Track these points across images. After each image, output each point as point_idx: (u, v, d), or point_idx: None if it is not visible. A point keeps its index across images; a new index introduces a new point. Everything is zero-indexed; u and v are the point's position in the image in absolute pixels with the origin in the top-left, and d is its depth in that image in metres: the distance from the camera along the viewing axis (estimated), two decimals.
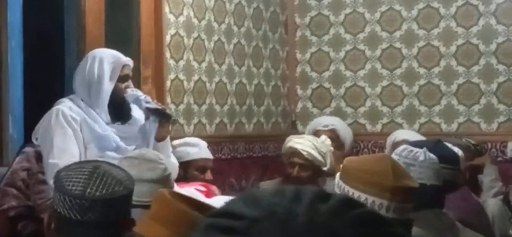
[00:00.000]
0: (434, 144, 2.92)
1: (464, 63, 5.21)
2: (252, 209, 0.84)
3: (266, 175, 5.12)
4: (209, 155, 4.14)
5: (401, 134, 4.89)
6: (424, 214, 2.62)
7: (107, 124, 3.53)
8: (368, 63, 5.48)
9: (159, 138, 3.58)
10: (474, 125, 5.18)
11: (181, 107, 4.71)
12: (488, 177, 4.27)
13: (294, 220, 0.82)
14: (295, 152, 4.17)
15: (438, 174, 2.74)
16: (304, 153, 4.14)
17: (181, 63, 4.71)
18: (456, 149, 3.17)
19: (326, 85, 5.61)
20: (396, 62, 5.41)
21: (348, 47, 5.54)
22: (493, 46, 5.14)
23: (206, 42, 4.89)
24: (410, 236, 2.34)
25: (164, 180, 2.86)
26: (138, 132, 3.59)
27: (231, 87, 5.11)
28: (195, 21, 4.81)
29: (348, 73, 5.54)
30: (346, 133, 5.14)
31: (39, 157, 3.46)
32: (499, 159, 4.94)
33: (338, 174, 2.38)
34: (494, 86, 5.14)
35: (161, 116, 3.59)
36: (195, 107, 4.82)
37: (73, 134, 3.43)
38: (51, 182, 2.95)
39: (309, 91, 5.66)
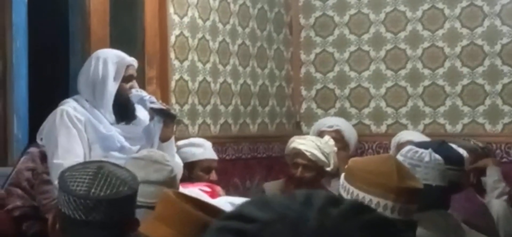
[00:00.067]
0: (439, 145, 2.91)
1: (469, 64, 5.20)
2: (264, 212, 0.84)
3: (271, 175, 5.12)
4: (214, 156, 4.14)
5: (405, 135, 4.89)
6: (430, 215, 2.61)
7: (112, 124, 3.54)
8: (373, 64, 5.48)
9: (164, 138, 3.58)
10: (478, 126, 5.18)
11: (186, 107, 4.71)
12: (491, 178, 4.26)
13: (305, 224, 0.83)
14: (298, 153, 4.17)
15: (443, 175, 2.73)
16: (308, 153, 4.14)
17: (186, 63, 4.71)
18: (461, 150, 3.17)
19: (331, 86, 5.61)
20: (400, 63, 5.40)
21: (352, 48, 5.54)
22: (497, 47, 5.13)
23: (210, 43, 4.90)
24: None
25: (170, 182, 2.86)
26: (142, 133, 3.60)
27: (235, 87, 5.11)
28: (199, 21, 4.81)
29: (353, 74, 5.54)
30: (350, 134, 5.14)
31: (43, 157, 3.46)
32: (504, 160, 4.93)
33: (342, 175, 2.38)
34: (498, 87, 5.13)
35: (165, 117, 3.60)
36: (199, 107, 4.82)
37: (77, 135, 3.44)
38: (55, 182, 2.95)
39: (313, 92, 5.66)
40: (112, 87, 3.53)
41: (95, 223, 2.07)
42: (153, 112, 3.59)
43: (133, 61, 3.63)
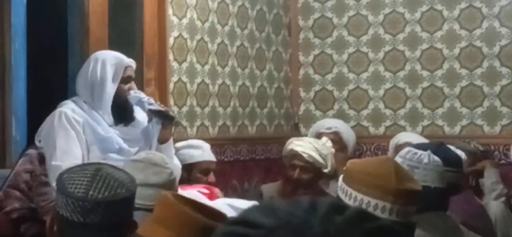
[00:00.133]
0: (437, 146, 2.92)
1: (468, 66, 5.21)
2: (269, 218, 0.85)
3: (269, 177, 5.12)
4: (212, 158, 4.14)
5: (404, 136, 4.89)
6: (429, 217, 2.61)
7: (110, 126, 3.53)
8: (371, 66, 5.48)
9: (162, 140, 3.58)
10: (477, 128, 5.18)
11: (184, 109, 4.71)
12: (489, 180, 4.27)
13: (309, 230, 0.84)
14: (295, 155, 4.17)
15: (442, 176, 2.74)
16: (305, 155, 4.13)
17: (184, 65, 4.71)
18: (459, 152, 3.18)
19: (329, 87, 5.61)
20: (399, 65, 5.40)
21: (351, 50, 5.54)
22: (496, 49, 5.14)
23: (209, 44, 4.90)
24: None
25: (169, 185, 2.85)
26: (141, 134, 3.59)
27: (234, 89, 5.11)
28: (198, 23, 4.81)
29: (351, 76, 5.54)
30: (349, 135, 5.14)
31: (42, 159, 3.46)
32: (502, 162, 4.93)
33: (341, 177, 2.38)
34: (497, 88, 5.14)
35: (164, 118, 3.59)
36: (198, 109, 4.82)
37: (76, 136, 3.44)
38: (53, 184, 2.95)
39: (312, 94, 5.66)
40: (110, 89, 3.53)
41: (93, 225, 2.07)
42: (152, 113, 3.59)
43: (131, 62, 3.63)
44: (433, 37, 5.30)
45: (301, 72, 5.67)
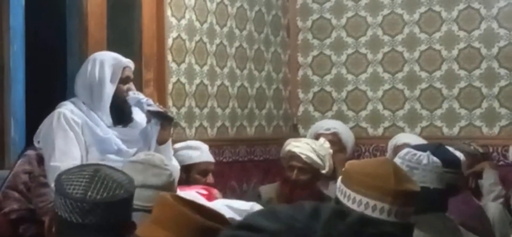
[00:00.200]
0: (436, 147, 2.91)
1: (466, 67, 5.21)
2: (272, 223, 0.87)
3: (268, 178, 5.12)
4: (211, 159, 4.14)
5: (402, 137, 4.90)
6: (428, 218, 2.62)
7: (109, 127, 3.54)
8: (370, 67, 5.48)
9: (161, 141, 3.58)
10: (475, 129, 5.18)
11: (183, 110, 4.71)
12: (488, 181, 4.28)
13: (312, 235, 0.85)
14: (293, 156, 4.16)
15: (441, 177, 2.74)
16: (303, 156, 4.13)
17: (183, 66, 4.71)
18: (458, 153, 3.18)
19: (328, 88, 5.61)
20: (397, 66, 5.41)
21: (349, 51, 5.54)
22: (495, 50, 5.14)
23: (208, 45, 4.90)
24: None
25: (168, 186, 2.85)
26: (139, 135, 3.59)
27: (232, 90, 5.11)
28: (197, 24, 4.81)
29: (350, 77, 5.54)
30: (348, 136, 5.14)
31: (40, 160, 3.46)
32: (501, 163, 4.93)
33: (340, 178, 2.38)
34: (495, 90, 5.14)
35: (162, 119, 3.59)
36: (196, 110, 4.82)
37: (74, 137, 3.44)
38: (52, 185, 2.95)
39: (310, 95, 5.66)
40: (109, 89, 3.53)
41: (92, 226, 2.07)
42: (150, 114, 3.59)
43: (129, 62, 3.63)
44: (432, 38, 5.30)
45: (300, 73, 5.68)
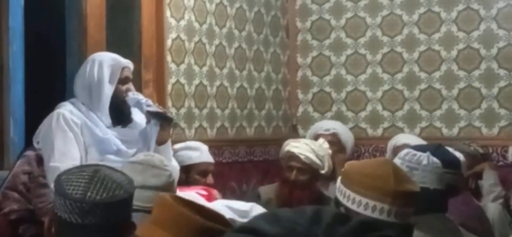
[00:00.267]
0: (436, 148, 2.92)
1: (465, 68, 5.21)
2: (273, 227, 0.87)
3: (267, 179, 5.12)
4: (211, 159, 4.14)
5: (402, 138, 4.90)
6: (428, 218, 2.61)
7: (108, 127, 3.54)
8: (369, 68, 5.48)
9: (160, 142, 3.58)
10: (475, 130, 5.18)
11: (182, 111, 4.71)
12: (488, 182, 4.28)
13: None
14: (292, 156, 4.16)
15: (441, 178, 2.74)
16: (302, 157, 4.13)
17: (182, 67, 4.71)
18: (457, 154, 3.18)
19: (327, 89, 5.61)
20: (397, 67, 5.41)
21: (349, 52, 5.54)
22: (494, 51, 5.14)
23: (207, 46, 4.90)
24: None
25: (168, 187, 2.84)
26: (139, 136, 3.59)
27: (232, 91, 5.11)
28: (196, 25, 4.81)
29: (349, 78, 5.54)
30: (347, 137, 5.14)
31: (40, 160, 3.46)
32: (500, 163, 4.94)
33: (339, 179, 2.38)
34: (495, 90, 5.14)
35: (162, 120, 3.59)
36: (196, 111, 4.82)
37: (74, 138, 3.43)
38: (52, 185, 2.95)
39: (310, 95, 5.66)
40: (108, 90, 3.54)
41: (91, 227, 2.07)
42: (150, 115, 3.59)
43: (128, 63, 3.63)
44: (431, 39, 5.30)
45: (299, 74, 5.68)
